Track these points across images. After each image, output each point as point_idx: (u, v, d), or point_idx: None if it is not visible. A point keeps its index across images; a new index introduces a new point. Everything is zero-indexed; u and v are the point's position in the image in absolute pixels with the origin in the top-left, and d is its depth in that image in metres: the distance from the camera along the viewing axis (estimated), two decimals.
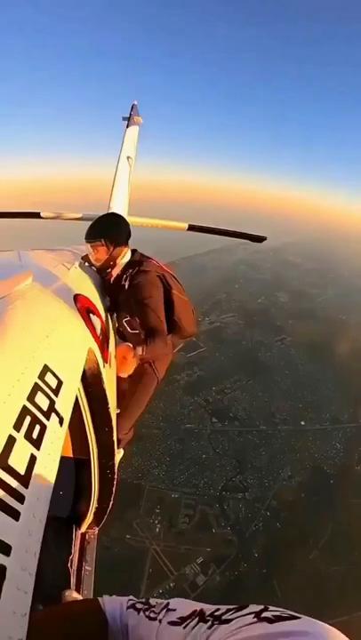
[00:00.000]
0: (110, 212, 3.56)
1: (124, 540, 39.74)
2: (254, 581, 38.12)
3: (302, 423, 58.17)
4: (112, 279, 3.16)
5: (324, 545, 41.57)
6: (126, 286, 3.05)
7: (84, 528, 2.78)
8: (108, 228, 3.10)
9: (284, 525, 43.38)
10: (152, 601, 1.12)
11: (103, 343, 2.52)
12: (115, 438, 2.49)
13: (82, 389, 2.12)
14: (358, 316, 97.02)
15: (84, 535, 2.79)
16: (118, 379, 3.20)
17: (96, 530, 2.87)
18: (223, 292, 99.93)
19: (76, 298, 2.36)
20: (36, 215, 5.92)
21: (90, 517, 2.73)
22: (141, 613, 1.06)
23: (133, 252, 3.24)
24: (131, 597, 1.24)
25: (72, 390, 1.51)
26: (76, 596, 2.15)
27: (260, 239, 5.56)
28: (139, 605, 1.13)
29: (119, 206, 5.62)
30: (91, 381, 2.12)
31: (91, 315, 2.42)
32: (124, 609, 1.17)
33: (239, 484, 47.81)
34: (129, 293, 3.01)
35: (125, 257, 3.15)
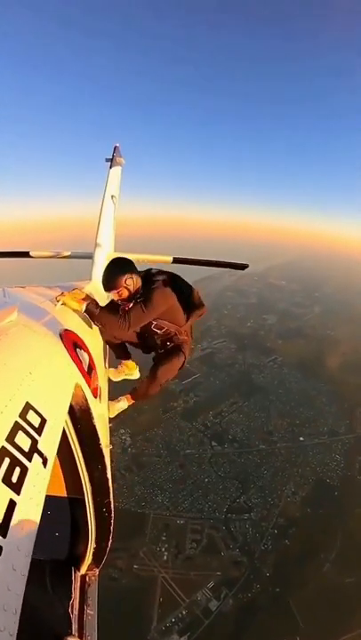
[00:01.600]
0: (113, 258, 3.59)
1: (131, 570, 38.61)
2: (268, 601, 36.88)
3: (301, 439, 57.94)
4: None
5: (335, 557, 40.67)
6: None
7: (83, 570, 2.65)
8: (117, 275, 3.29)
9: (293, 542, 42.42)
10: None
11: (91, 377, 2.52)
12: (109, 476, 2.43)
13: (71, 426, 2.08)
14: (345, 331, 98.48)
15: (84, 577, 2.65)
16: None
17: (96, 571, 2.72)
18: (213, 318, 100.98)
19: (63, 333, 2.31)
20: (26, 254, 5.93)
21: (89, 558, 2.61)
22: None
23: (147, 271, 3.65)
24: None
25: (57, 428, 1.49)
26: None
27: (242, 267, 5.57)
28: None
29: (105, 243, 5.88)
30: (80, 417, 2.09)
31: (78, 349, 2.39)
32: None
33: (244, 505, 46.94)
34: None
35: (139, 283, 3.42)
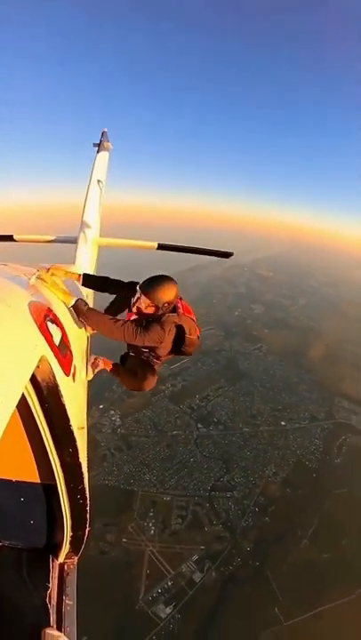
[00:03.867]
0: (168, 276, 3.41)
1: (120, 544, 38.94)
2: (249, 574, 37.65)
3: (282, 423, 58.84)
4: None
5: (312, 535, 41.57)
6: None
7: (61, 558, 2.47)
8: (164, 293, 3.24)
9: (273, 519, 43.21)
10: None
11: (63, 353, 2.26)
12: (81, 460, 2.16)
13: (37, 404, 1.85)
14: (328, 323, 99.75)
15: (62, 566, 2.48)
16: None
17: (75, 559, 2.54)
18: (202, 306, 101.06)
19: (31, 304, 2.05)
20: (10, 238, 5.57)
21: (66, 546, 2.43)
22: None
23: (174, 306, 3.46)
24: None
25: (7, 404, 1.32)
26: (56, 635, 1.95)
27: (227, 255, 5.35)
28: None
29: (90, 228, 5.58)
30: (47, 395, 1.83)
31: (49, 323, 2.14)
32: None
33: (227, 484, 47.61)
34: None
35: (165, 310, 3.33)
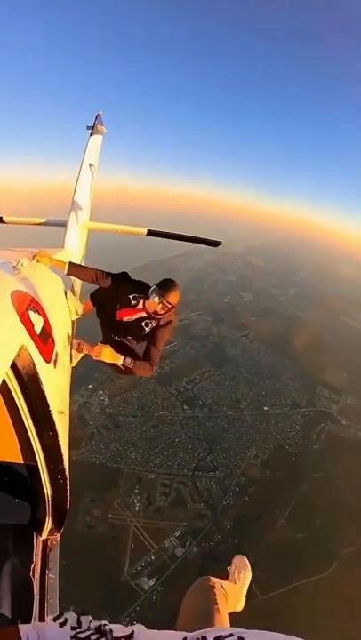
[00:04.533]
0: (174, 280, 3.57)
1: (106, 519, 39.64)
2: (228, 550, 38.45)
3: (265, 408, 59.86)
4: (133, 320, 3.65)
5: (288, 515, 42.97)
6: (147, 329, 3.61)
7: (44, 535, 2.54)
8: (176, 300, 3.50)
9: (252, 499, 44.46)
10: (107, 627, 0.92)
11: (44, 341, 2.33)
12: (61, 443, 2.24)
13: (19, 390, 1.93)
14: (315, 314, 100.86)
15: (45, 542, 2.55)
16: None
17: (57, 536, 2.61)
18: (192, 292, 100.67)
19: (14, 293, 2.09)
20: None
21: (49, 524, 2.51)
22: None
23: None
24: (76, 626, 0.94)
25: None
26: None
27: (215, 244, 5.32)
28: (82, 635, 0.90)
29: (80, 211, 5.50)
30: (27, 382, 1.91)
31: (30, 312, 2.18)
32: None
33: (210, 464, 48.59)
34: (149, 332, 3.60)
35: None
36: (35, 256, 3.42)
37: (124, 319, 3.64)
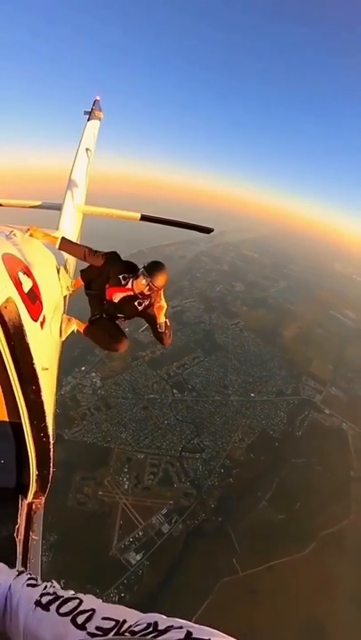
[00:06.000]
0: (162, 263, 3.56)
1: (97, 496, 40.16)
2: (212, 528, 39.75)
3: (252, 395, 60.56)
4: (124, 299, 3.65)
5: (270, 497, 43.91)
6: (140, 308, 3.64)
7: (29, 498, 2.51)
8: (164, 280, 3.45)
9: (236, 481, 45.29)
10: (63, 593, 0.93)
11: (32, 301, 2.35)
12: (44, 398, 2.21)
13: (4, 342, 1.91)
14: (304, 306, 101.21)
15: (30, 505, 2.53)
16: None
17: (42, 499, 2.59)
18: (186, 279, 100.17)
19: (4, 256, 2.12)
20: None
21: (33, 486, 2.47)
22: (52, 610, 0.86)
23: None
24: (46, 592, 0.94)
25: None
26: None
27: (207, 230, 5.21)
28: (45, 600, 0.90)
29: (75, 195, 5.43)
30: (13, 333, 1.90)
31: (20, 273, 2.21)
32: (16, 593, 0.95)
33: (197, 446, 49.23)
34: (142, 310, 3.65)
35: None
36: (28, 230, 3.39)
37: (113, 297, 3.66)
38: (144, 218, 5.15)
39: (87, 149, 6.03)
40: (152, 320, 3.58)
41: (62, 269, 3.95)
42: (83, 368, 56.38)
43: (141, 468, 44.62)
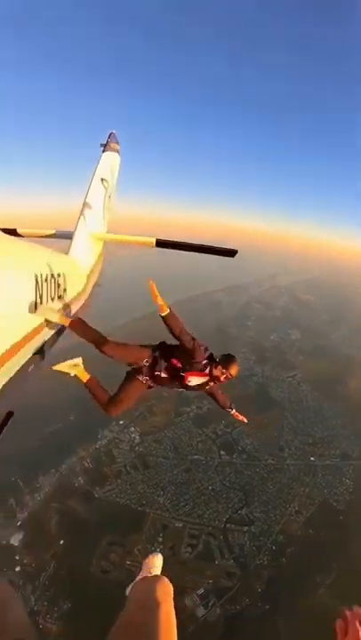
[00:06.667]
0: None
1: (124, 565, 39.02)
2: (256, 617, 36.22)
3: (312, 458, 57.02)
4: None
5: (331, 582, 39.57)
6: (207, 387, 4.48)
7: None
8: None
9: (290, 560, 41.64)
10: None
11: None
12: None
13: None
14: None
15: None
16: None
17: None
18: (236, 327, 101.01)
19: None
20: (13, 232, 5.74)
21: None
22: None
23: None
24: None
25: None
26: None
27: (231, 253, 5.14)
28: None
29: (90, 222, 5.87)
30: None
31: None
32: None
33: (245, 517, 46.55)
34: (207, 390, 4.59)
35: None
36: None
37: (189, 381, 4.26)
38: (160, 243, 5.43)
39: (103, 179, 6.36)
40: (214, 394, 4.66)
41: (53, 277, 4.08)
42: (121, 422, 57.69)
43: (178, 538, 42.88)
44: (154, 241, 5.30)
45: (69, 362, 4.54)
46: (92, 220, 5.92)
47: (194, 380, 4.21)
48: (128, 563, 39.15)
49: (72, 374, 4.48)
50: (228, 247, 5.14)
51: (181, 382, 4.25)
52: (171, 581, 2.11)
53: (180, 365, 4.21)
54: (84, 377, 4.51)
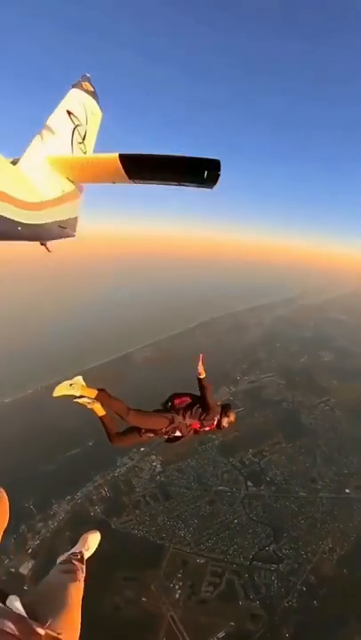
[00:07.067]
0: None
1: (139, 602, 38.70)
2: None
3: (347, 491, 55.18)
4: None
5: None
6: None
7: None
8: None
9: (323, 603, 39.88)
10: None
11: None
12: None
13: None
14: None
15: None
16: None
17: None
18: (263, 350, 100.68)
19: None
20: None
21: None
22: None
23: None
24: None
25: None
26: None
27: (210, 165, 4.32)
28: None
29: (50, 149, 5.30)
30: None
31: None
32: None
33: (273, 554, 45.26)
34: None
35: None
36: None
37: (199, 429, 5.40)
38: (123, 157, 4.74)
39: (70, 112, 5.73)
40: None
41: None
42: (142, 449, 58.20)
43: (200, 575, 42.14)
44: (117, 155, 4.78)
45: (66, 382, 4.83)
46: (52, 145, 5.37)
47: (204, 429, 5.40)
48: (144, 599, 38.85)
49: (88, 407, 4.93)
50: (211, 157, 4.38)
51: (194, 435, 5.46)
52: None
53: (198, 427, 5.30)
54: (100, 412, 5.02)
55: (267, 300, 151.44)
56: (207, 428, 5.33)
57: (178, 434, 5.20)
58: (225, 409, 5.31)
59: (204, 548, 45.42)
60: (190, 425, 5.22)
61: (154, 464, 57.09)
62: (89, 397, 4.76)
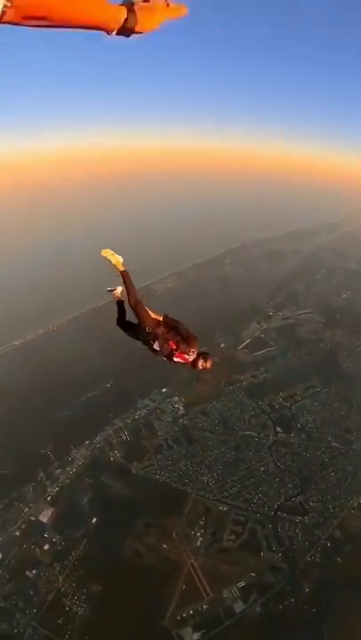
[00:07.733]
0: None
1: (160, 549, 40.93)
2: (300, 621, 36.80)
3: None
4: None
5: None
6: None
7: None
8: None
9: (347, 561, 41.24)
10: None
11: None
12: None
13: None
14: None
15: None
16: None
17: None
18: (301, 282, 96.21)
19: None
20: None
21: None
22: None
23: None
24: None
25: None
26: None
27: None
28: None
29: None
30: None
31: None
32: None
33: (299, 506, 46.58)
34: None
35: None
36: None
37: (175, 357, 6.40)
38: None
39: None
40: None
41: None
42: (164, 390, 58.88)
43: (222, 523, 44.04)
44: None
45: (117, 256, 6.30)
46: None
47: (178, 360, 6.37)
48: (165, 546, 41.22)
49: (112, 262, 6.26)
50: None
51: (168, 357, 6.35)
52: None
53: (174, 347, 6.25)
54: (121, 267, 6.31)
55: (307, 225, 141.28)
56: (181, 356, 6.35)
57: (156, 347, 6.28)
58: (204, 356, 6.51)
59: (227, 495, 47.00)
60: (168, 341, 6.25)
61: (176, 406, 57.98)
62: (118, 270, 6.24)
